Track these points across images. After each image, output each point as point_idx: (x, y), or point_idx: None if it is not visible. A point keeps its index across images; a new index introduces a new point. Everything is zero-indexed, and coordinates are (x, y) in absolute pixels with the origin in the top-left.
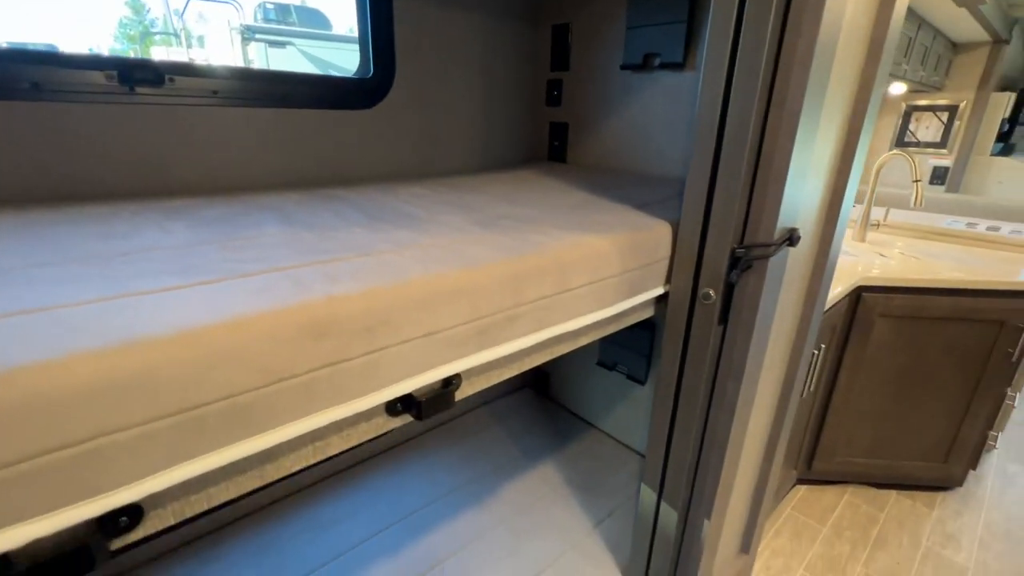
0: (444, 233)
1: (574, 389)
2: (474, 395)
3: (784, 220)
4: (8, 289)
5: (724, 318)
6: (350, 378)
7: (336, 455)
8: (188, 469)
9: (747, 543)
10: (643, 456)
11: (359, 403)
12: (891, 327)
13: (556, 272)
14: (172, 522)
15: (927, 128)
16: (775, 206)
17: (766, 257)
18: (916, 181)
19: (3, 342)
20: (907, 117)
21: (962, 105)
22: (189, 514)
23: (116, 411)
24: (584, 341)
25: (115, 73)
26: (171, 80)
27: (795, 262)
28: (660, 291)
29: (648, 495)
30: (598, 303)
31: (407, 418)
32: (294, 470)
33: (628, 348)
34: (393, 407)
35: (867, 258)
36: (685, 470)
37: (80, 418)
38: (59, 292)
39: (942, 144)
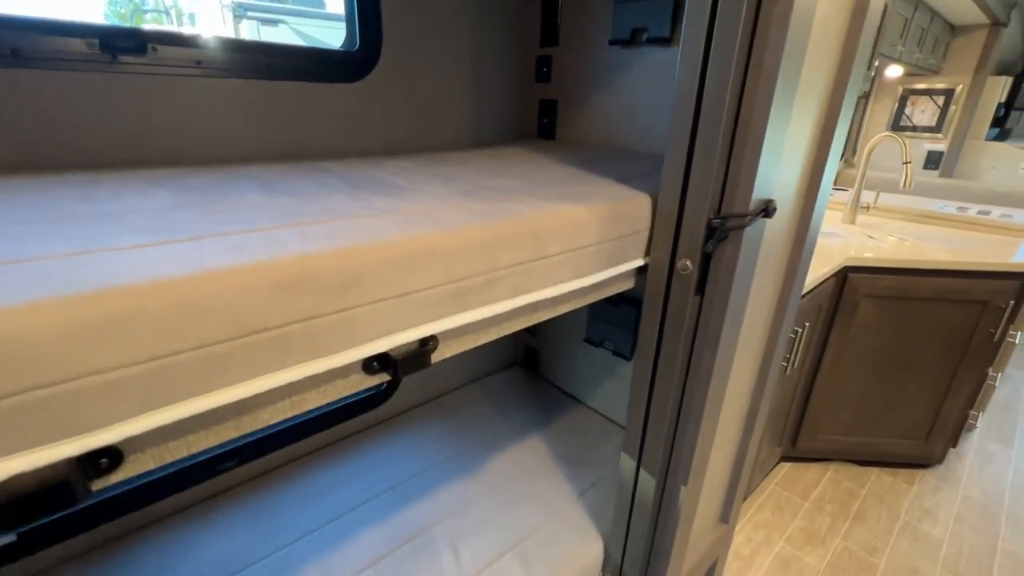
0: (424, 200)
1: (563, 366)
2: (464, 372)
3: (760, 192)
4: None
5: (701, 288)
6: (325, 334)
7: (329, 425)
8: (164, 415)
9: (726, 513)
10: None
11: (334, 359)
12: (877, 307)
13: (532, 238)
14: (152, 466)
15: (923, 112)
16: (750, 177)
17: (742, 227)
18: (906, 163)
19: None
20: (903, 101)
21: (958, 89)
22: (169, 460)
23: (91, 354)
24: (564, 309)
25: (97, 41)
26: (154, 49)
27: (774, 236)
28: (640, 262)
29: (628, 463)
30: (576, 272)
31: (384, 376)
32: (271, 422)
33: (614, 325)
34: (370, 365)
35: (856, 240)
36: (663, 438)
37: (55, 360)
38: (36, 246)
39: (937, 128)
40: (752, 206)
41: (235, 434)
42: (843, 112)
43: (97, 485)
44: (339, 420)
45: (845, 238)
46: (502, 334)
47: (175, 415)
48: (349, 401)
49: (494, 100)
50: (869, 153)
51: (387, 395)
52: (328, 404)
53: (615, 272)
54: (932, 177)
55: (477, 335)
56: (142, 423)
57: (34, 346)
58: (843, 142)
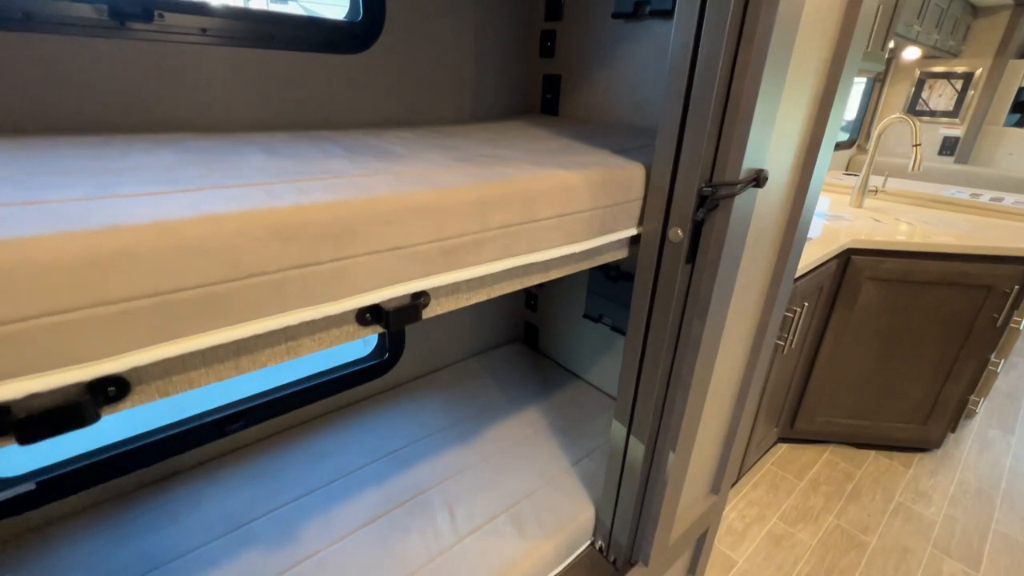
0: (420, 165)
1: (562, 342)
2: (464, 347)
3: (752, 161)
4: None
5: (692, 257)
6: (319, 282)
7: (333, 392)
8: (167, 349)
9: (717, 485)
10: None
11: (329, 307)
12: (879, 290)
13: (523, 201)
14: (156, 398)
15: (940, 96)
16: (741, 146)
17: (732, 196)
18: (916, 145)
19: None
20: (920, 85)
21: (978, 73)
22: (172, 394)
23: (99, 286)
24: (555, 274)
25: (105, 7)
26: (160, 16)
27: (767, 209)
28: (633, 232)
29: (619, 429)
30: (567, 237)
31: (377, 328)
32: (268, 365)
33: (613, 301)
34: (363, 316)
35: (861, 223)
36: (652, 405)
37: (66, 289)
38: (48, 192)
39: (954, 113)
40: (743, 175)
41: (234, 374)
42: (841, 87)
43: (106, 411)
44: (342, 388)
45: (851, 221)
46: (492, 295)
47: (177, 350)
48: (352, 370)
49: (497, 74)
50: (879, 136)
51: (389, 365)
52: (332, 372)
53: (607, 240)
54: (947, 163)
55: (468, 295)
56: (147, 355)
57: (47, 275)
58: (842, 113)
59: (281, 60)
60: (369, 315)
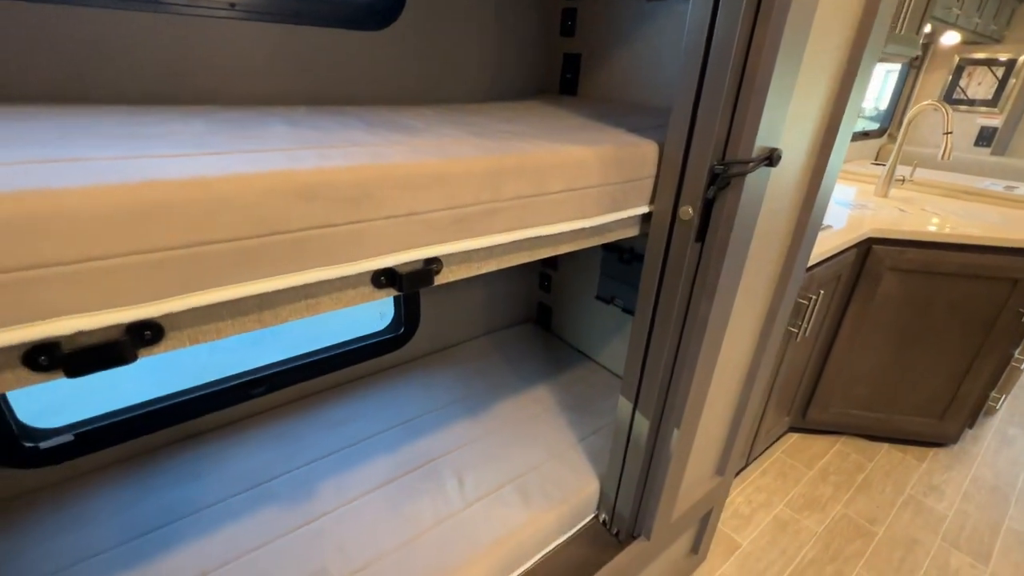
0: (437, 138)
1: (574, 323)
2: (477, 325)
3: (766, 139)
4: (42, 148)
5: (702, 236)
6: (337, 243)
7: (349, 364)
8: (199, 299)
9: (723, 466)
10: None
11: (346, 268)
12: (900, 281)
13: (534, 173)
14: (187, 345)
15: (979, 84)
16: (755, 122)
17: (743, 174)
18: (947, 133)
19: (42, 176)
20: (959, 72)
21: (1021, 59)
22: (201, 341)
23: (137, 235)
24: (565, 248)
25: None
26: None
27: (782, 191)
28: (645, 210)
29: (625, 406)
30: (578, 212)
31: (391, 291)
32: (289, 320)
33: (625, 283)
34: (378, 279)
35: (886, 212)
36: (658, 382)
37: (108, 237)
38: (89, 152)
39: (993, 102)
40: (756, 153)
41: (257, 327)
42: (862, 70)
43: (142, 353)
44: (359, 359)
45: (875, 210)
46: (502, 266)
47: (207, 300)
48: (369, 343)
49: (517, 53)
50: (908, 124)
51: (404, 340)
52: (349, 344)
53: (618, 216)
54: (983, 155)
55: (479, 263)
56: (180, 303)
57: (92, 223)
58: (861, 101)
59: (305, 36)
60: (384, 278)
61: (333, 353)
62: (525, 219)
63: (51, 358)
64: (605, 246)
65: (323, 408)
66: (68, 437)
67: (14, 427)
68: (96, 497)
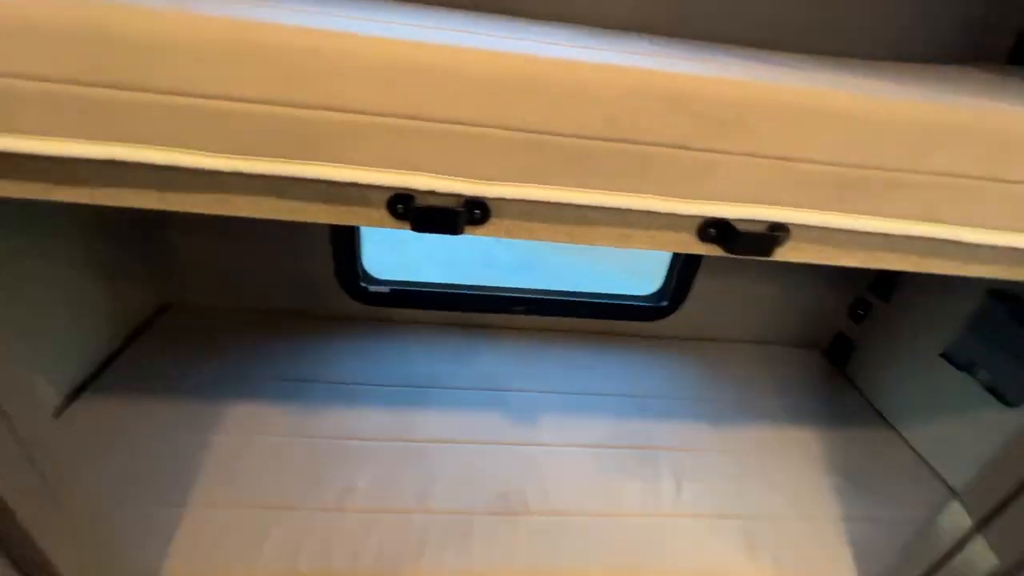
0: (835, 76)
1: (887, 375)
2: (746, 327)
3: None
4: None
5: None
6: (682, 172)
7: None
8: (528, 191)
9: None
10: (952, 490)
11: (679, 204)
12: None
13: (989, 145)
14: (502, 236)
15: None
16: None
17: None
18: None
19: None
20: None
21: None
22: (514, 236)
23: (500, 107)
24: (976, 271)
25: None
26: None
27: None
28: None
29: (958, 517)
30: None
31: (715, 249)
32: (597, 243)
33: (1009, 351)
34: (706, 230)
35: None
36: None
37: (476, 103)
38: (484, 30)
39: None
40: None
41: (566, 240)
42: None
43: (467, 231)
44: (613, 316)
45: None
46: (867, 265)
47: (538, 195)
48: (626, 303)
49: (943, 4)
50: None
51: (663, 313)
52: (609, 297)
53: None
54: None
55: (836, 250)
56: (514, 190)
57: (470, 84)
58: None
59: None
60: (714, 230)
61: (591, 300)
62: (940, 208)
63: (406, 208)
64: (996, 290)
65: (565, 348)
66: (385, 289)
67: (359, 268)
68: (388, 345)
